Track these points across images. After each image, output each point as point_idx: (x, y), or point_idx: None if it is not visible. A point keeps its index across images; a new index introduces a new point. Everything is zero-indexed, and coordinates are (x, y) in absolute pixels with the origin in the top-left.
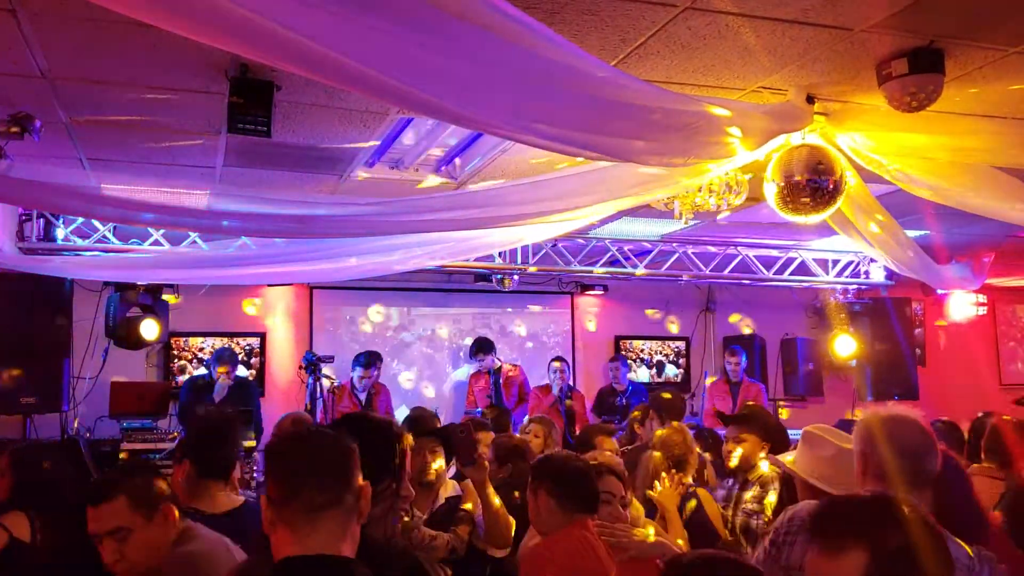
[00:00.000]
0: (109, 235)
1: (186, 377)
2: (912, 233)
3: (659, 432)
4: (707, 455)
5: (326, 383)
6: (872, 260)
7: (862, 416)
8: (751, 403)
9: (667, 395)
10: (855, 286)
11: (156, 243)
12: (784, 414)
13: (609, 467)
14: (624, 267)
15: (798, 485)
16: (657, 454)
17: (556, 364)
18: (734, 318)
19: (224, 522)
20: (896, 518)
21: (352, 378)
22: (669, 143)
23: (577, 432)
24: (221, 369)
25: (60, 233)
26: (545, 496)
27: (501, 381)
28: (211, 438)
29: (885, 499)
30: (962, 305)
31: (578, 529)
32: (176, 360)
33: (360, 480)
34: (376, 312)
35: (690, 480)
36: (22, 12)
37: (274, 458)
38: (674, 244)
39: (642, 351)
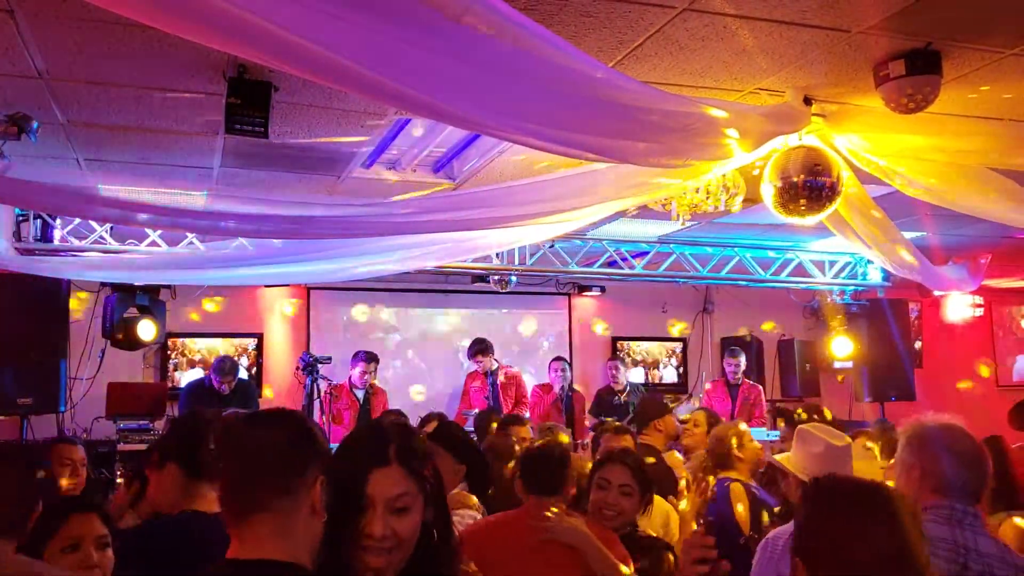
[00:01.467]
0: (106, 236)
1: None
2: (909, 234)
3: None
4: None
5: (323, 384)
6: (869, 261)
7: (911, 426)
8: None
9: (646, 401)
10: (852, 287)
11: (153, 244)
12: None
13: (618, 456)
14: (621, 268)
15: (791, 482)
16: (700, 453)
17: (558, 364)
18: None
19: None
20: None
21: (351, 376)
22: (666, 144)
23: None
24: (223, 380)
25: (57, 234)
26: (518, 478)
27: (498, 383)
28: (194, 438)
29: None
30: (959, 306)
31: (515, 511)
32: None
33: (312, 476)
34: (374, 313)
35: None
36: (20, 13)
37: (220, 453)
38: (671, 245)
39: (640, 352)
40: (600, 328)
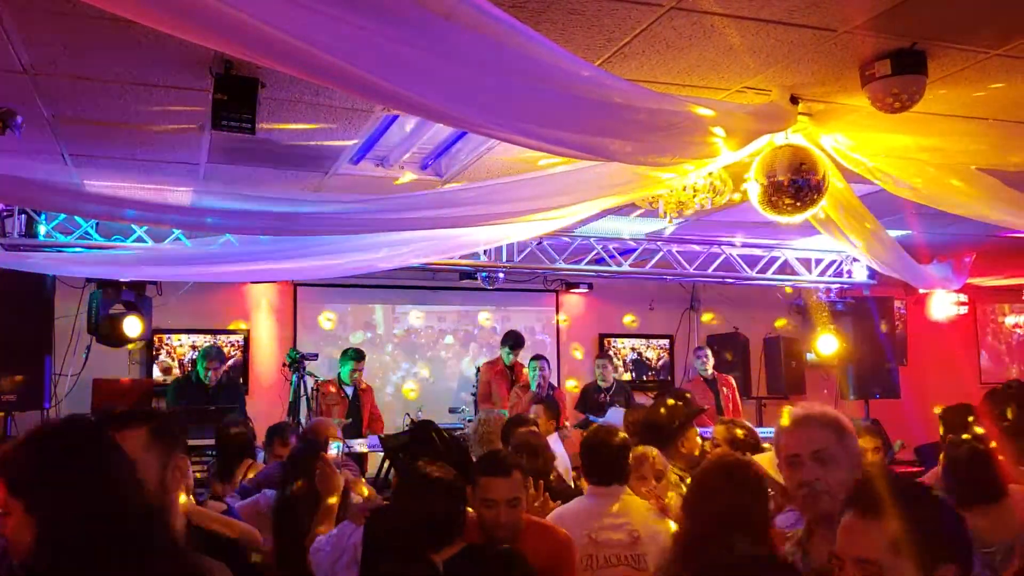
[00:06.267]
0: (92, 231)
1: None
2: (894, 233)
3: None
4: None
5: (310, 381)
6: (855, 259)
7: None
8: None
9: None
10: (838, 285)
11: (139, 240)
12: None
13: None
14: (609, 265)
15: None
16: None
17: (536, 363)
18: (706, 317)
19: None
20: None
21: (339, 374)
22: (653, 143)
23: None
24: (208, 366)
25: (42, 229)
26: None
27: (515, 377)
28: None
29: None
30: (943, 304)
31: None
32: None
33: None
34: (361, 309)
35: None
36: (5, 7)
37: None
38: (658, 243)
39: (634, 349)
40: (587, 325)
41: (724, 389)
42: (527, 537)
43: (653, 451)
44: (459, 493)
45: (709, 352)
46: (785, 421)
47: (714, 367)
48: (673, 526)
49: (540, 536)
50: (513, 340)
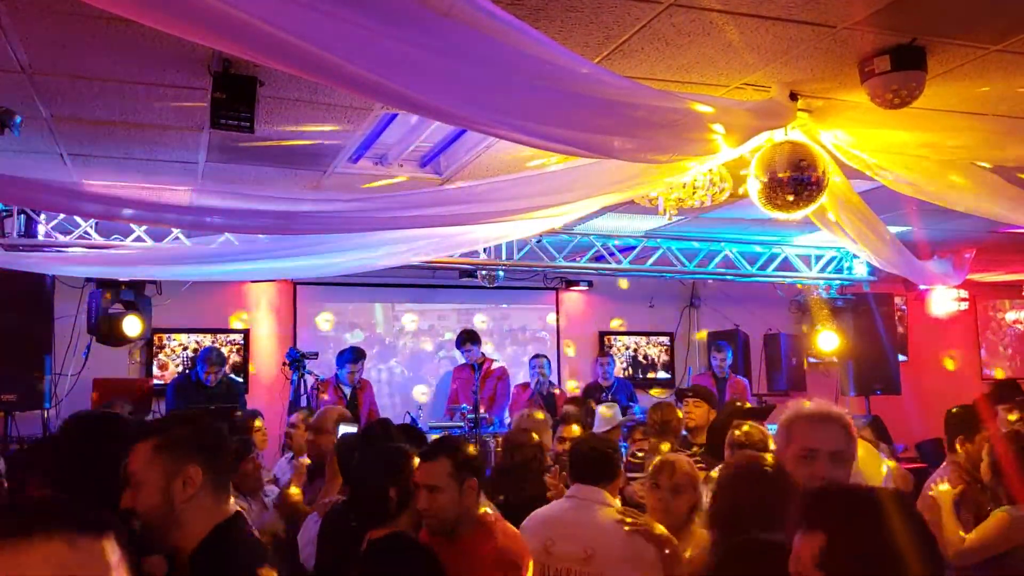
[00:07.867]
0: (91, 231)
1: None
2: (894, 229)
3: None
4: None
5: (310, 379)
6: (855, 256)
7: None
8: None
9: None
10: (838, 282)
11: (138, 239)
12: None
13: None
14: (608, 263)
15: None
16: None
17: (535, 360)
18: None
19: None
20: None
21: (337, 373)
22: (652, 140)
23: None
24: (208, 369)
25: (41, 229)
26: None
27: (481, 375)
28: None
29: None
30: (944, 300)
31: None
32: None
33: None
34: (360, 308)
35: None
36: (2, 6)
37: None
38: (658, 240)
39: (627, 348)
40: (587, 322)
41: (736, 390)
42: (476, 537)
43: (681, 459)
44: (391, 470)
45: (727, 353)
46: (806, 413)
47: (720, 366)
48: (650, 546)
49: (487, 540)
50: (463, 338)
